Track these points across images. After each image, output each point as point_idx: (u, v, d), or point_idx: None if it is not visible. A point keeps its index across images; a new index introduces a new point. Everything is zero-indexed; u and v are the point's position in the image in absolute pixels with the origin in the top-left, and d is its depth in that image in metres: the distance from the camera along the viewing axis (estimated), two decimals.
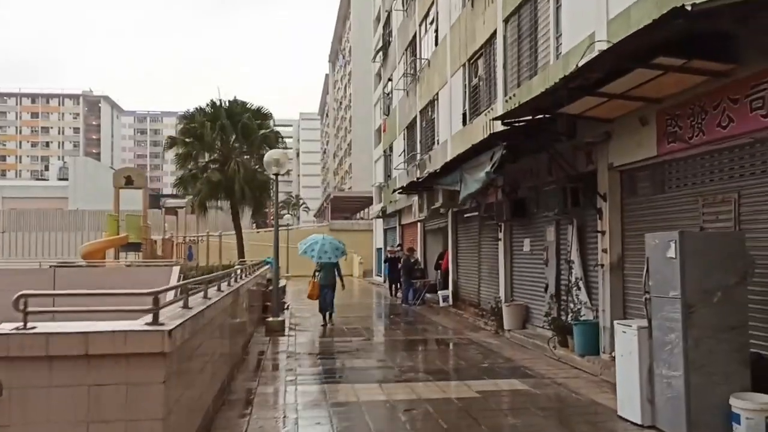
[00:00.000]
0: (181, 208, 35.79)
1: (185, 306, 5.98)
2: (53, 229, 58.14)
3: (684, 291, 6.41)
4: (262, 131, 27.83)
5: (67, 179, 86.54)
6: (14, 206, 66.47)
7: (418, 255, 23.71)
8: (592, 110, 8.63)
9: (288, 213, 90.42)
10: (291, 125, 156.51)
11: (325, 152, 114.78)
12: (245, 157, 28.38)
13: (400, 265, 21.90)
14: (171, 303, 5.89)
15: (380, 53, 33.40)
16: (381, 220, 33.57)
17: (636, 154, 8.99)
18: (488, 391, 8.60)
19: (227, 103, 27.78)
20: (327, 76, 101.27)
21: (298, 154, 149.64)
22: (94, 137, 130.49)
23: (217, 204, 29.61)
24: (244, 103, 28.06)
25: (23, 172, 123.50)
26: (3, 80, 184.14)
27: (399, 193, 21.07)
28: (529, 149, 11.24)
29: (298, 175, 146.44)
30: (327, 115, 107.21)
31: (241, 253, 28.71)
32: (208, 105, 27.49)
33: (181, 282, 5.89)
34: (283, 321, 15.18)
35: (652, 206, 9.19)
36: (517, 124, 9.76)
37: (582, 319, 10.76)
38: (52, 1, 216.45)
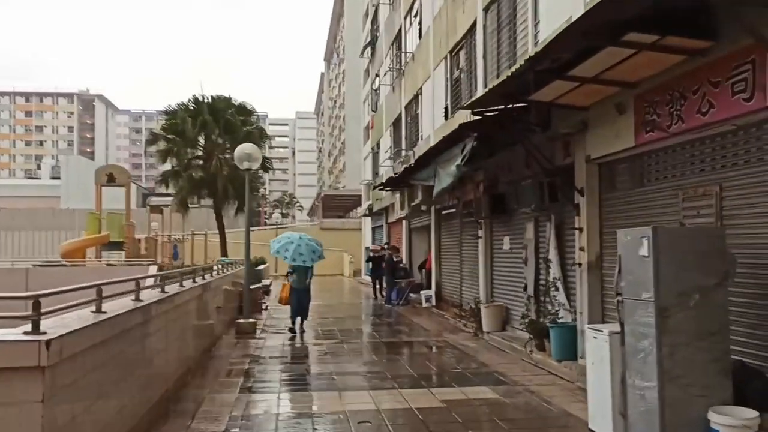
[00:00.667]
0: (166, 206, 35.14)
1: (98, 310, 5.36)
2: (43, 228, 57.51)
3: (658, 293, 5.78)
4: (246, 127, 27.18)
5: (59, 178, 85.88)
6: (6, 205, 65.76)
7: (403, 254, 23.09)
8: (566, 97, 8.00)
9: (281, 211, 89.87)
10: (287, 124, 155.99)
11: (320, 151, 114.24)
12: (228, 154, 27.76)
13: (383, 264, 21.28)
14: (79, 304, 5.28)
15: (368, 49, 32.77)
16: (369, 218, 32.96)
17: (614, 145, 8.36)
18: (454, 401, 7.97)
19: (210, 99, 27.15)
20: (322, 75, 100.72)
21: (294, 153, 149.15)
22: (88, 136, 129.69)
23: (200, 201, 29.02)
24: (227, 99, 27.44)
25: (17, 171, 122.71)
26: None
27: (380, 189, 20.43)
28: (503, 142, 10.62)
29: (294, 174, 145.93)
30: (322, 114, 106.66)
31: (224, 252, 28.08)
32: (190, 100, 26.87)
33: (91, 284, 5.23)
34: (255, 323, 14.54)
35: (630, 201, 8.57)
36: (488, 114, 9.12)
37: (560, 321, 10.14)
38: (48, 1, 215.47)
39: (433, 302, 18.59)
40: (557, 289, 10.45)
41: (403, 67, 23.37)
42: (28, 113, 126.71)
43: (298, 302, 14.27)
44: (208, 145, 27.08)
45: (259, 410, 7.64)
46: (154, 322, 7.11)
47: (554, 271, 10.60)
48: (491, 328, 12.96)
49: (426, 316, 17.37)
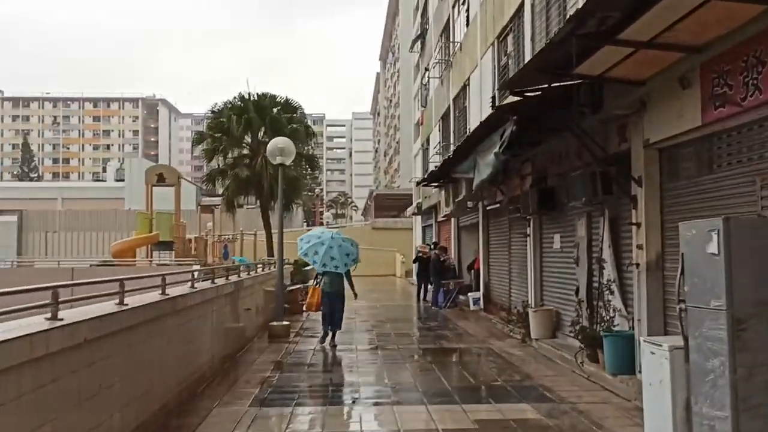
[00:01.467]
0: (217, 206, 35.08)
1: (53, 317, 4.61)
2: (106, 229, 58.84)
3: (731, 300, 4.65)
4: (292, 125, 26.62)
5: (123, 180, 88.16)
6: (74, 207, 67.78)
7: (452, 253, 22.01)
8: (618, 68, 6.84)
9: (335, 211, 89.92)
10: (344, 125, 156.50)
11: (376, 151, 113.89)
12: None
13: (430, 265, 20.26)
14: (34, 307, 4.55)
15: (418, 42, 31.79)
16: (419, 217, 31.97)
17: (676, 125, 7.15)
18: (488, 421, 6.95)
19: (255, 96, 26.72)
20: (378, 74, 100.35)
21: (351, 154, 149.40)
22: (152, 139, 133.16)
23: (247, 201, 28.69)
24: (273, 96, 26.97)
25: (85, 174, 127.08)
26: (67, 85, 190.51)
27: (423, 185, 19.40)
28: (550, 127, 9.48)
29: (351, 175, 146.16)
30: (378, 114, 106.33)
31: (270, 252, 27.60)
32: (235, 98, 26.50)
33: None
34: (288, 326, 13.77)
35: (697, 191, 7.33)
36: (529, 94, 8.04)
37: (615, 329, 8.95)
38: (116, 9, 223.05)
39: (481, 305, 17.47)
40: (612, 293, 9.26)
41: (451, 59, 22.30)
42: (96, 118, 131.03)
43: (330, 310, 12.22)
44: (254, 143, 26.65)
45: (262, 427, 6.82)
46: (148, 326, 6.37)
47: (609, 272, 9.40)
48: (540, 334, 11.81)
49: (472, 320, 16.28)
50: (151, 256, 31.21)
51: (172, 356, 7.40)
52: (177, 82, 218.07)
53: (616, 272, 9.27)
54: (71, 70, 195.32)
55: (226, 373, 9.61)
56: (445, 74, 23.52)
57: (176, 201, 30.35)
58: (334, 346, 12.07)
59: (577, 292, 10.73)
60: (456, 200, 16.13)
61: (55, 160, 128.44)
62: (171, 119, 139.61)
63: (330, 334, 12.33)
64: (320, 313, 12.67)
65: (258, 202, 27.21)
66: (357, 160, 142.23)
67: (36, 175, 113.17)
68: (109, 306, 5.74)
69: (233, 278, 11.73)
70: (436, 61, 25.07)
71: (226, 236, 35.18)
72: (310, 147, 28.71)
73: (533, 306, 12.63)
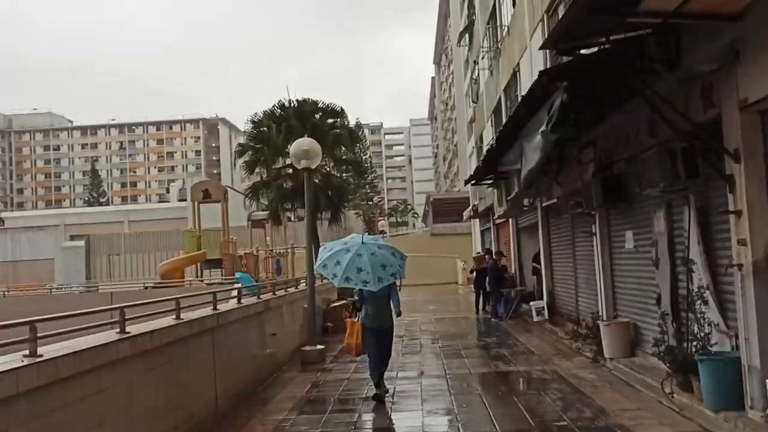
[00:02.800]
0: (268, 220, 34.10)
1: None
2: (168, 249, 59.21)
3: None
4: (335, 130, 25.20)
5: (185, 200, 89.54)
6: (140, 229, 68.83)
7: (511, 258, 20.04)
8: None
9: (395, 219, 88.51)
10: (402, 132, 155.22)
11: (436, 156, 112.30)
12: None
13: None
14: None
15: (466, 35, 29.96)
16: (477, 221, 30.04)
17: None
18: None
19: (296, 103, 25.43)
20: (433, 78, 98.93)
21: (410, 161, 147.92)
22: (214, 158, 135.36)
23: (294, 213, 27.46)
24: (314, 102, 25.60)
25: (152, 196, 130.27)
26: (131, 111, 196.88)
27: (474, 185, 17.55)
28: (613, 95, 7.57)
29: (412, 182, 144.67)
30: (436, 119, 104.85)
31: None
32: (275, 106, 25.30)
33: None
34: (323, 350, 12.20)
35: None
36: (584, 51, 6.19)
37: (713, 350, 6.96)
38: (172, 39, 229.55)
39: (546, 315, 15.48)
40: (705, 303, 7.25)
41: (499, 45, 20.42)
42: (160, 141, 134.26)
43: (378, 350, 8.87)
44: None
45: None
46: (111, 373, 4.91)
47: (700, 275, 7.40)
48: (615, 352, 9.81)
49: (536, 334, 14.32)
50: (201, 275, 30.43)
51: (149, 405, 5.90)
52: (237, 102, 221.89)
53: (709, 276, 7.25)
54: (137, 97, 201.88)
55: (233, 417, 8.09)
56: (494, 64, 21.63)
57: (223, 217, 29.47)
58: (386, 391, 8.80)
59: (658, 301, 8.72)
60: (508, 198, 14.26)
61: (123, 184, 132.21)
62: (231, 137, 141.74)
63: (381, 378, 8.89)
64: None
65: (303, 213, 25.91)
66: (417, 167, 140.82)
67: (105, 199, 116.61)
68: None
69: (247, 301, 10.26)
70: (485, 50, 23.19)
71: (279, 251, 34.17)
72: (359, 153, 27.12)
73: (605, 318, 10.62)
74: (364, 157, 28.14)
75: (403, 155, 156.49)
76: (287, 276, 28.35)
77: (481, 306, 19.18)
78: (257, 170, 25.39)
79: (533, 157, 8.28)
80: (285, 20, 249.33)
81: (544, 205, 13.95)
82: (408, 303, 28.18)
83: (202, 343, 7.59)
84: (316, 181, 24.88)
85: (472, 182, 16.72)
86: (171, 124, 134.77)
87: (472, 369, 10.86)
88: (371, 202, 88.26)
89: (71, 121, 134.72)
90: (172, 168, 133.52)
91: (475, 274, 19.71)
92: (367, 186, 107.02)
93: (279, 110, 25.43)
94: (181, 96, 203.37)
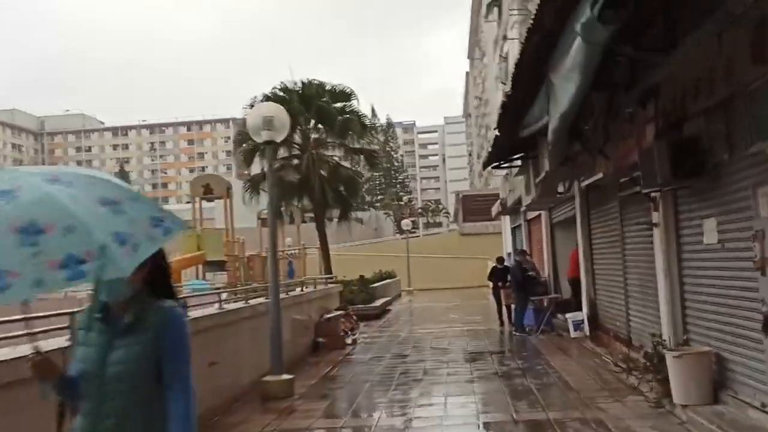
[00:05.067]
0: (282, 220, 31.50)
1: None
2: (176, 250, 57.08)
3: None
4: (345, 116, 22.35)
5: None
6: None
7: (545, 259, 16.86)
8: None
9: (427, 220, 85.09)
10: (436, 131, 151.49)
11: (470, 154, 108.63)
12: (324, 149, 23.17)
13: (509, 277, 15.13)
14: None
15: (494, 9, 26.79)
16: (507, 218, 26.83)
17: None
18: None
19: (300, 85, 22.67)
20: (467, 74, 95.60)
21: (444, 160, 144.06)
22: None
23: (300, 209, 24.74)
24: (321, 84, 22.80)
25: (184, 197, 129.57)
26: (162, 111, 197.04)
27: (492, 167, 14.36)
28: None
29: (446, 182, 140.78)
30: (470, 116, 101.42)
31: (327, 268, 23.43)
32: (276, 88, 22.57)
33: None
34: (290, 381, 9.28)
35: None
36: None
37: None
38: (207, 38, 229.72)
39: (586, 331, 12.34)
40: None
41: (527, 5, 17.29)
42: (190, 141, 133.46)
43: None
44: (303, 141, 22.58)
45: None
46: None
47: None
48: (689, 396, 6.68)
49: (574, 356, 11.18)
50: (205, 278, 27.88)
51: None
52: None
53: None
54: (170, 97, 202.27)
55: None
56: (523, 30, 18.45)
57: (226, 214, 26.83)
58: None
59: (765, 324, 5.60)
60: (537, 182, 11.17)
61: (154, 185, 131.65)
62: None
63: None
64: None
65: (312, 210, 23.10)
66: (452, 166, 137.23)
67: None
68: None
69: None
70: (514, 13, 20.02)
71: (292, 252, 31.58)
72: (371, 142, 24.02)
73: (671, 344, 7.48)
74: (377, 148, 25.10)
75: (437, 155, 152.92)
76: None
77: (505, 316, 15.94)
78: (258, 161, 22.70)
79: (567, 91, 5.23)
80: (318, 20, 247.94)
81: (583, 185, 10.81)
82: (427, 311, 25.26)
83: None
84: (323, 173, 22.12)
85: (493, 165, 13.57)
86: (201, 124, 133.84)
87: (485, 409, 7.82)
88: (401, 202, 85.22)
89: (102, 123, 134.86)
90: (203, 168, 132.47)
91: (493, 277, 16.27)
92: (398, 186, 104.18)
93: (281, 92, 22.70)
94: (215, 95, 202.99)
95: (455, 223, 73.42)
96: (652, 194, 7.72)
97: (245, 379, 9.33)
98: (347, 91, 22.82)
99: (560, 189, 12.04)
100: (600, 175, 9.07)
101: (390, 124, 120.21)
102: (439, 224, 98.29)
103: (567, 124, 6.16)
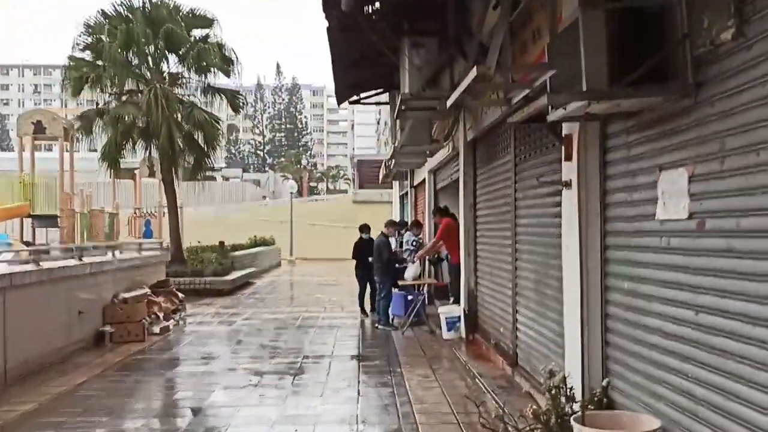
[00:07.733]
0: (137, 169, 26.93)
1: None
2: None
3: None
4: (200, 44, 18.12)
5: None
6: None
7: (427, 230, 13.67)
8: None
9: (326, 185, 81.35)
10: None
11: (378, 122, 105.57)
12: (180, 86, 18.94)
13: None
14: None
15: None
16: (397, 184, 23.60)
17: None
18: None
19: (149, 4, 18.20)
20: None
21: (353, 126, 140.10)
22: None
23: (147, 157, 20.52)
24: (176, 6, 18.40)
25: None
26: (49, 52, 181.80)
27: (352, 103, 10.64)
28: None
29: (353, 149, 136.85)
30: None
31: (176, 234, 19.39)
32: (117, 4, 18.01)
33: None
34: None
35: None
36: None
37: None
38: None
39: (462, 332, 9.15)
40: None
41: None
42: None
43: None
44: (151, 73, 18.20)
45: None
46: None
47: None
48: None
49: (442, 369, 7.87)
50: (34, 236, 23.09)
51: None
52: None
53: None
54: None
55: None
56: None
57: (61, 160, 22.08)
58: None
59: None
60: (395, 117, 7.69)
61: None
62: None
63: None
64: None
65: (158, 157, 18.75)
66: (360, 133, 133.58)
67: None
68: None
69: None
70: None
71: (149, 210, 27.24)
72: (233, 76, 19.35)
73: (583, 393, 4.23)
74: (241, 91, 20.87)
75: (346, 120, 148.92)
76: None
77: (368, 303, 12.42)
78: (88, 93, 18.07)
79: None
80: None
81: (470, 133, 7.43)
82: (296, 286, 21.60)
83: None
84: (169, 113, 17.83)
85: (351, 100, 9.92)
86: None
87: None
88: (299, 165, 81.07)
89: None
90: None
91: (354, 255, 12.62)
92: (300, 148, 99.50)
93: (125, 11, 18.17)
94: None
95: (354, 190, 70.10)
96: (564, 125, 4.39)
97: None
98: (208, 16, 18.56)
99: (440, 140, 8.65)
100: (492, 115, 5.68)
101: (296, 85, 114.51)
102: (344, 191, 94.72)
103: None
